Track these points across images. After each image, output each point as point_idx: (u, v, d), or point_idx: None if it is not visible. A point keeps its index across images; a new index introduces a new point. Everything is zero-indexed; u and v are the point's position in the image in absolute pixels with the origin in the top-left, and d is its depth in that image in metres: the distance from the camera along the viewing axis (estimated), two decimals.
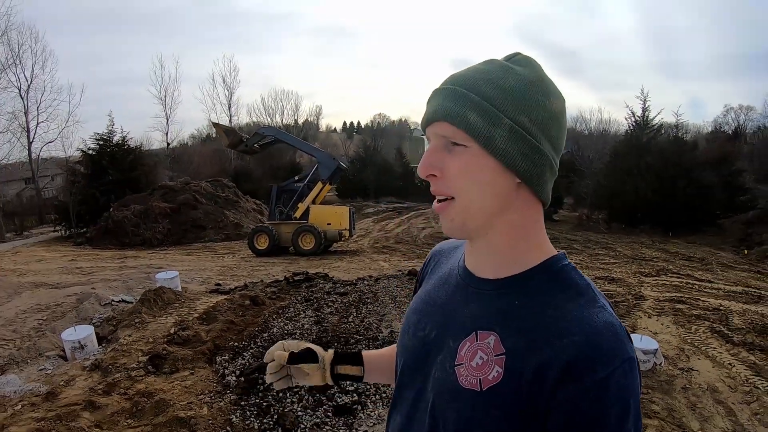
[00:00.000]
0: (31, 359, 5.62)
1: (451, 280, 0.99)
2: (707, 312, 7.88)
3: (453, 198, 0.86)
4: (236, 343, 5.64)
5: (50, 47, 34.46)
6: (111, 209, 17.49)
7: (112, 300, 7.52)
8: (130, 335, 5.92)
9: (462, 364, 0.86)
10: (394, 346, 1.23)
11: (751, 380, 5.21)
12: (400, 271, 10.41)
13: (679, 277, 11.34)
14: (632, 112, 22.01)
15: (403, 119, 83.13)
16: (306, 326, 6.36)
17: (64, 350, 5.77)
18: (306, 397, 4.48)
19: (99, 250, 15.60)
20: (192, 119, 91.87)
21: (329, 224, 14.42)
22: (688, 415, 4.46)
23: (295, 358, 1.28)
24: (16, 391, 4.82)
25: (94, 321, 6.72)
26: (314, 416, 4.28)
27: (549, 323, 0.80)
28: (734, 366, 5.58)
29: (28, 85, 27.15)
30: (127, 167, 21.02)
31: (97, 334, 5.95)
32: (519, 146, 0.82)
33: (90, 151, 21.18)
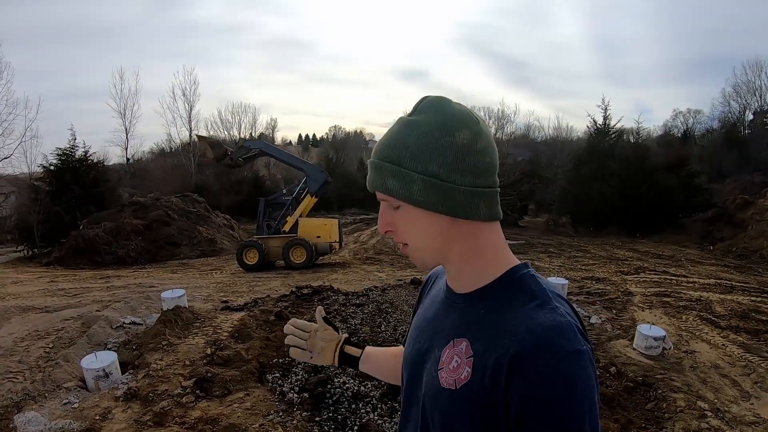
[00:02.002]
0: (48, 392, 5.22)
1: (439, 297, 1.14)
2: (692, 302, 8.92)
3: (407, 244, 1.03)
4: (280, 359, 5.52)
5: (6, 58, 32.62)
6: (80, 227, 16.82)
7: (123, 322, 7.19)
8: (161, 359, 5.63)
9: (443, 368, 0.98)
10: (394, 350, 1.47)
11: (744, 357, 6.28)
12: (400, 280, 10.43)
13: (656, 274, 12.09)
14: (594, 120, 22.81)
15: (358, 130, 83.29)
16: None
17: (84, 380, 5.40)
18: (379, 406, 4.52)
19: (72, 270, 14.95)
20: (151, 133, 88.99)
21: (319, 237, 14.25)
22: (702, 388, 5.36)
23: (327, 320, 1.50)
24: (42, 430, 4.45)
25: (109, 346, 6.40)
26: (392, 422, 4.31)
27: (504, 325, 0.91)
28: (727, 346, 6.66)
29: None
30: (91, 183, 20.30)
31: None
32: (435, 193, 0.94)
33: (52, 167, 20.28)
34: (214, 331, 6.43)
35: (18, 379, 5.46)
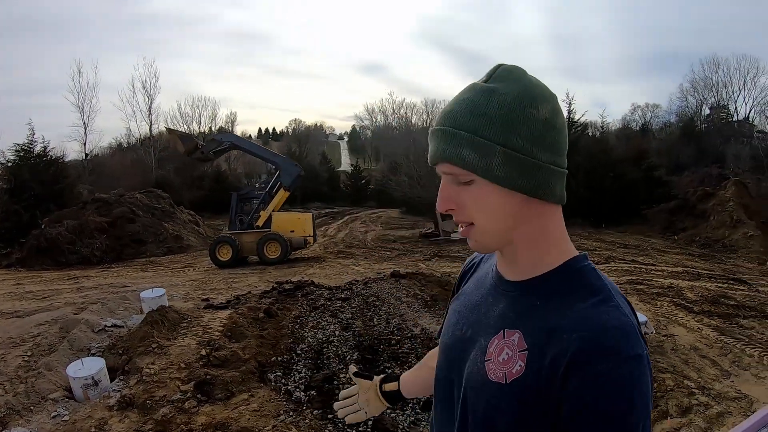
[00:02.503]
0: (34, 405, 4.91)
1: (486, 282, 1.06)
2: (664, 290, 9.47)
3: (472, 223, 0.92)
4: (278, 358, 5.44)
5: None
6: (42, 226, 16.12)
7: (105, 325, 6.92)
8: (153, 363, 5.43)
9: (491, 359, 0.92)
10: (427, 360, 1.40)
11: (720, 339, 6.81)
12: (379, 273, 10.46)
13: (626, 263, 12.54)
14: None
15: (317, 124, 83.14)
16: (338, 333, 6.29)
17: (70, 389, 5.15)
18: None
19: (36, 271, 14.34)
20: (110, 128, 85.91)
21: (293, 231, 14.09)
22: (685, 368, 5.85)
23: (358, 374, 1.49)
24: None
25: (92, 351, 6.13)
26: (405, 415, 4.38)
27: (563, 321, 0.85)
28: (702, 330, 7.21)
29: None
30: (50, 180, 19.50)
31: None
32: (517, 168, 0.86)
33: (9, 164, 19.47)
34: (204, 330, 6.27)
35: None
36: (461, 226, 0.95)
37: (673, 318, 7.78)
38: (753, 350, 6.40)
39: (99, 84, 35.41)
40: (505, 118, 0.85)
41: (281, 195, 14.45)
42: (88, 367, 5.13)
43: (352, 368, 1.51)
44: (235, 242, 13.66)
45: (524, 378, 0.85)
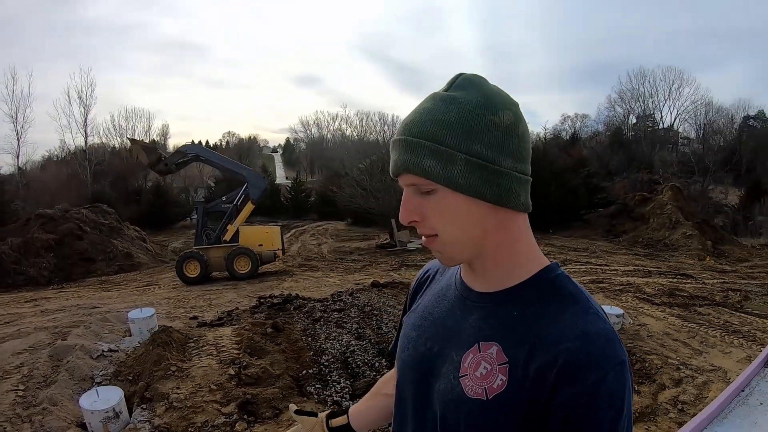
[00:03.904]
0: None
1: (449, 294, 1.03)
2: (624, 286, 10.45)
3: (436, 235, 0.90)
4: (309, 371, 5.37)
5: None
6: None
7: (102, 351, 6.53)
8: (178, 388, 5.13)
9: (466, 375, 0.89)
10: (381, 387, 1.35)
11: (685, 324, 7.96)
12: (359, 284, 10.48)
13: (581, 265, 13.32)
14: None
15: (252, 136, 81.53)
16: (353, 342, 6.32)
17: (84, 425, 4.76)
18: None
19: None
20: (43, 141, 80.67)
21: (261, 245, 13.78)
22: (663, 350, 6.68)
23: (299, 411, 1.42)
24: None
25: (97, 380, 5.74)
26: None
27: (546, 331, 0.84)
28: (668, 318, 8.28)
29: None
30: None
31: None
32: (479, 176, 0.85)
33: None
34: (217, 349, 6.06)
35: None
36: (425, 239, 0.92)
37: (640, 310, 8.67)
38: (714, 332, 7.60)
39: (33, 93, 33.70)
40: (467, 125, 0.84)
41: (248, 208, 14.14)
42: (105, 398, 4.77)
43: (293, 407, 1.43)
44: (203, 257, 13.23)
45: (507, 392, 0.84)
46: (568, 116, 50.67)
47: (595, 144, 38.76)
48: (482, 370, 0.87)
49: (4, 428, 4.76)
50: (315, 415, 1.39)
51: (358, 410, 1.38)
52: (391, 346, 1.26)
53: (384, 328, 6.75)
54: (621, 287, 10.25)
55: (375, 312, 7.44)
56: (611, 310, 7.49)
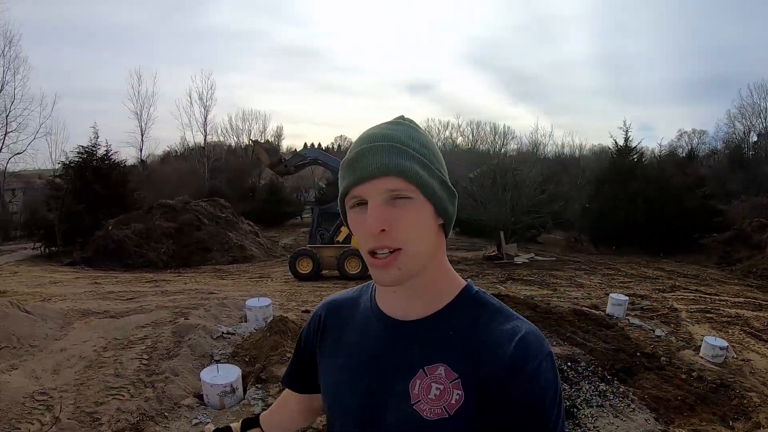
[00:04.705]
0: (167, 411, 4.87)
1: (373, 330, 1.04)
2: (732, 318, 9.75)
3: (399, 249, 0.90)
4: None
5: (23, 53, 32.11)
6: (109, 227, 16.40)
7: (222, 332, 6.99)
8: None
9: (419, 400, 0.92)
10: (287, 400, 1.33)
11: None
12: None
13: (690, 292, 12.48)
14: (615, 141, 23.12)
15: None
16: None
17: (201, 396, 5.14)
18: None
19: (102, 271, 14.63)
20: (164, 137, 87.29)
21: None
22: (763, 389, 6.20)
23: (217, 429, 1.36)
24: None
25: (216, 358, 6.17)
26: None
27: (484, 340, 0.92)
28: None
29: None
30: (112, 183, 19.80)
31: None
32: (446, 194, 0.95)
33: (72, 165, 19.74)
34: None
35: (123, 395, 5.11)
36: (375, 256, 0.92)
37: (746, 345, 8.15)
38: None
39: (157, 93, 36.53)
40: (433, 150, 0.95)
41: None
42: (224, 374, 5.12)
43: (210, 427, 1.41)
44: (315, 256, 13.68)
45: (467, 403, 0.90)
46: (685, 132, 47.70)
47: (714, 163, 36.20)
48: (435, 392, 0.92)
49: (128, 390, 5.20)
50: (229, 429, 1.36)
51: (268, 420, 1.38)
52: (283, 377, 1.33)
53: None
54: (729, 319, 9.64)
55: None
56: (715, 341, 7.10)
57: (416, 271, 0.94)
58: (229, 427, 1.37)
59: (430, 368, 0.94)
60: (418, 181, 0.89)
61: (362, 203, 0.92)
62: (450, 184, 0.97)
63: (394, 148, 0.90)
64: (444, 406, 0.90)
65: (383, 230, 0.89)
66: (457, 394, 0.91)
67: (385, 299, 1.04)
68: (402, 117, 1.00)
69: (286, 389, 1.33)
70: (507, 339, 0.90)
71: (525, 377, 0.87)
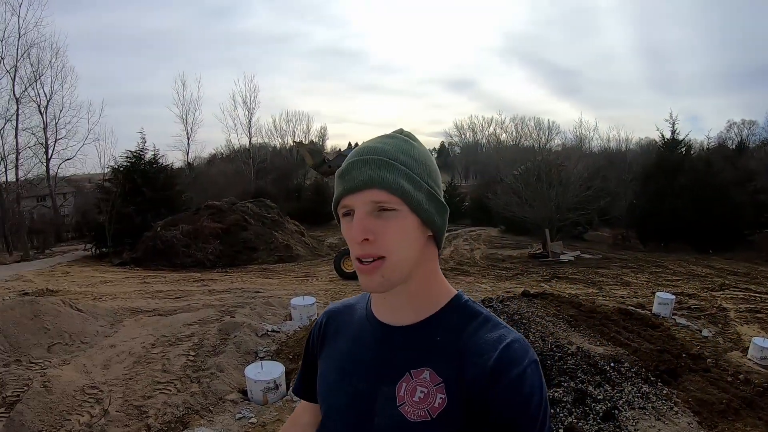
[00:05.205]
0: (212, 406, 5.05)
1: (366, 335, 1.08)
2: None
3: (383, 257, 0.95)
4: None
5: (70, 63, 33.58)
6: (159, 228, 16.86)
7: (267, 330, 7.13)
8: None
9: (404, 402, 0.96)
10: (300, 416, 1.33)
11: None
12: (508, 292, 10.34)
13: (740, 291, 12.09)
14: (662, 134, 22.48)
15: None
16: None
17: (245, 391, 5.28)
18: (574, 410, 4.81)
19: (151, 271, 15.07)
20: (210, 140, 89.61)
21: None
22: None
23: None
24: None
25: (260, 355, 6.33)
26: (588, 424, 4.64)
27: (469, 347, 0.95)
28: None
29: (48, 101, 26.17)
30: (161, 186, 20.35)
31: None
32: (434, 205, 0.98)
33: (121, 168, 20.33)
34: None
35: (170, 390, 5.29)
36: (362, 263, 0.96)
37: None
38: None
39: (201, 97, 37.46)
40: (426, 163, 0.99)
41: None
42: (268, 371, 5.24)
43: None
44: None
45: (449, 407, 0.93)
46: (734, 122, 45.89)
47: (764, 155, 34.70)
48: (420, 395, 0.95)
49: (175, 385, 5.39)
50: None
51: None
52: (293, 386, 1.38)
53: (530, 337, 6.65)
54: None
55: (524, 321, 7.34)
56: (764, 342, 6.83)
57: (400, 279, 0.98)
58: None
59: (416, 372, 0.97)
60: (402, 193, 0.93)
61: (351, 213, 0.97)
62: (440, 197, 1.00)
63: (380, 162, 0.94)
64: (427, 409, 0.94)
65: (366, 239, 0.94)
66: (440, 397, 0.94)
67: (378, 306, 1.09)
68: (400, 130, 1.04)
69: (298, 405, 1.37)
70: (492, 346, 0.93)
71: (508, 383, 0.89)
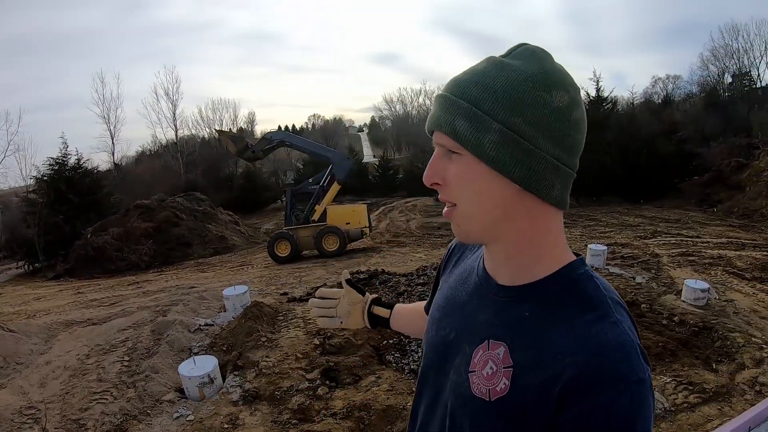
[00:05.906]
0: (149, 409, 4.92)
1: (471, 280, 0.99)
2: (714, 260, 9.77)
3: (455, 204, 0.86)
4: (389, 341, 5.51)
5: None
6: (88, 235, 16.28)
7: (200, 325, 7.00)
8: (268, 356, 5.49)
9: (474, 371, 0.86)
10: (420, 306, 1.35)
11: None
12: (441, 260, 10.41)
13: (672, 237, 12.58)
14: (587, 93, 23.03)
15: (337, 117, 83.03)
16: None
17: (182, 390, 5.19)
18: None
19: (86, 280, 14.53)
20: (136, 137, 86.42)
21: (348, 223, 14.07)
22: (749, 328, 6.15)
23: (351, 282, 1.44)
24: None
25: (195, 350, 6.19)
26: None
27: (556, 338, 0.78)
28: (757, 294, 7.68)
29: None
30: (87, 191, 19.69)
31: None
32: (511, 151, 0.79)
33: (44, 178, 19.54)
34: (304, 322, 6.33)
35: (107, 399, 5.15)
36: (445, 208, 0.89)
37: (729, 285, 8.13)
38: None
39: (122, 95, 36.07)
40: (512, 96, 0.78)
41: (335, 188, 14.42)
42: (201, 366, 5.16)
43: (346, 274, 1.45)
44: (293, 237, 13.68)
45: (509, 398, 0.80)
46: (659, 78, 47.72)
47: (689, 107, 36.18)
48: (488, 370, 0.84)
49: (111, 393, 5.24)
50: (363, 293, 1.43)
51: (400, 312, 1.42)
52: (426, 303, 1.31)
53: None
54: (711, 260, 9.67)
55: None
56: (696, 284, 7.05)
57: (480, 233, 0.87)
58: (364, 290, 1.45)
59: (494, 343, 0.85)
60: (456, 136, 0.81)
61: None
62: (525, 141, 0.79)
63: (444, 100, 0.83)
64: (489, 389, 0.83)
65: (437, 183, 0.86)
66: (504, 383, 0.81)
67: (485, 255, 0.96)
68: (518, 46, 0.86)
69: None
70: (580, 347, 0.75)
71: (590, 408, 0.72)
